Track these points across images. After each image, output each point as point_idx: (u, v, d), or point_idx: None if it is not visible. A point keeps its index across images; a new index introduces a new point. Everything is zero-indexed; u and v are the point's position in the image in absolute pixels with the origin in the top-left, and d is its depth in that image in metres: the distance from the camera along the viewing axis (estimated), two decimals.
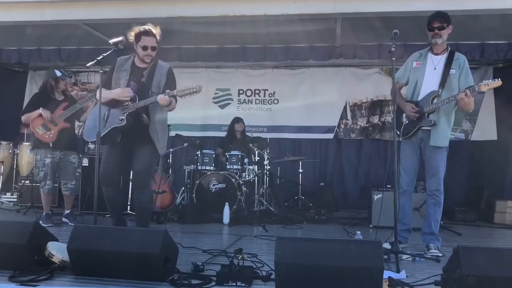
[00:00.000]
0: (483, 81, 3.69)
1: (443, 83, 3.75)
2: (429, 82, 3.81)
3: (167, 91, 3.62)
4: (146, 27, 3.78)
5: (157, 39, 3.80)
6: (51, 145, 4.92)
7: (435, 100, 3.76)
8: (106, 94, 3.73)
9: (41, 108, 4.87)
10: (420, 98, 3.83)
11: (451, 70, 3.75)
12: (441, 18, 3.72)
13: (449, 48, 3.87)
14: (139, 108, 3.73)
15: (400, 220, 3.84)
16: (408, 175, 3.93)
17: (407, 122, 3.87)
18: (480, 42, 5.90)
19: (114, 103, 3.78)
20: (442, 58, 3.82)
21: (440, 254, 3.60)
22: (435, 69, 3.81)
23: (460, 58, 3.82)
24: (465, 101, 3.58)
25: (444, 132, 3.80)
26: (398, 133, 3.87)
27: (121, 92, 3.73)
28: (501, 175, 6.78)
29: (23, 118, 4.99)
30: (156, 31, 3.81)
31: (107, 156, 3.90)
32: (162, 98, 3.57)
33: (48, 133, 4.89)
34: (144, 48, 3.75)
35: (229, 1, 4.84)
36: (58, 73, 5.07)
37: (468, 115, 7.28)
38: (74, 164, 5.11)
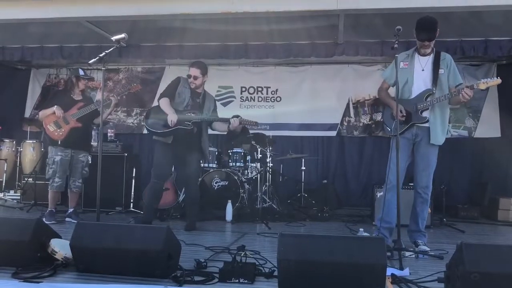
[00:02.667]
0: (482, 80, 3.76)
1: (435, 82, 3.79)
2: (420, 81, 3.84)
3: (240, 118, 4.69)
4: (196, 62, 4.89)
5: (201, 72, 4.73)
6: (59, 143, 4.99)
7: (428, 98, 3.79)
8: (166, 107, 4.62)
9: (55, 105, 4.98)
10: (412, 96, 3.85)
11: (440, 70, 3.80)
12: (430, 32, 3.70)
13: (434, 49, 3.89)
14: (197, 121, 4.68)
15: (384, 218, 3.82)
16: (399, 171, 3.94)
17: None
18: (484, 38, 5.86)
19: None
20: (429, 59, 3.86)
21: (428, 249, 3.66)
22: (423, 70, 3.85)
23: (447, 58, 3.86)
24: (470, 97, 3.62)
25: (442, 130, 3.86)
26: (389, 129, 3.93)
27: (172, 116, 4.53)
28: (505, 172, 6.75)
29: (40, 113, 5.17)
30: (202, 68, 4.77)
31: (161, 156, 4.75)
32: (235, 120, 4.65)
33: (58, 130, 4.98)
34: (189, 76, 4.74)
35: None
36: (81, 72, 5.21)
37: (471, 112, 7.27)
38: (82, 163, 5.17)
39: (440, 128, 3.83)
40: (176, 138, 4.66)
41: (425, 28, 3.70)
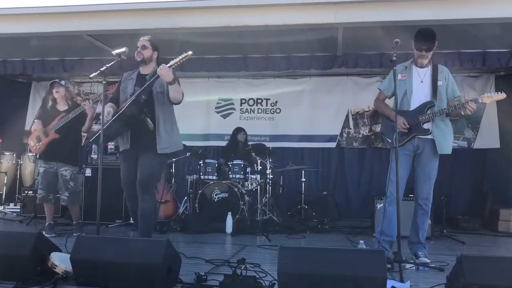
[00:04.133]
0: (486, 94, 3.81)
1: (434, 94, 3.82)
2: (419, 93, 3.87)
3: (169, 64, 3.63)
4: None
5: (151, 44, 4.01)
6: (37, 156, 5.00)
7: (429, 111, 3.81)
8: (113, 108, 3.91)
9: (36, 120, 4.99)
10: (412, 108, 3.87)
11: (438, 82, 3.83)
12: (429, 41, 3.74)
13: (431, 61, 3.92)
14: (144, 110, 3.77)
15: (384, 231, 3.81)
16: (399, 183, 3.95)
17: (398, 131, 3.90)
18: (482, 50, 5.90)
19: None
20: (427, 70, 3.89)
21: (428, 260, 3.66)
22: (422, 81, 3.87)
23: (444, 71, 3.90)
24: (474, 110, 3.66)
25: (450, 140, 3.89)
26: (390, 141, 3.93)
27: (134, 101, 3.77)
28: (505, 183, 6.74)
29: (32, 129, 5.11)
30: (153, 41, 4.05)
31: (124, 172, 3.97)
32: (164, 67, 3.60)
33: (37, 144, 4.93)
34: (137, 47, 3.98)
35: (230, 12, 4.87)
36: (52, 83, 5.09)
37: (470, 123, 7.28)
38: (65, 177, 4.96)
39: (448, 137, 3.86)
40: (133, 141, 3.89)
41: (424, 38, 3.74)
